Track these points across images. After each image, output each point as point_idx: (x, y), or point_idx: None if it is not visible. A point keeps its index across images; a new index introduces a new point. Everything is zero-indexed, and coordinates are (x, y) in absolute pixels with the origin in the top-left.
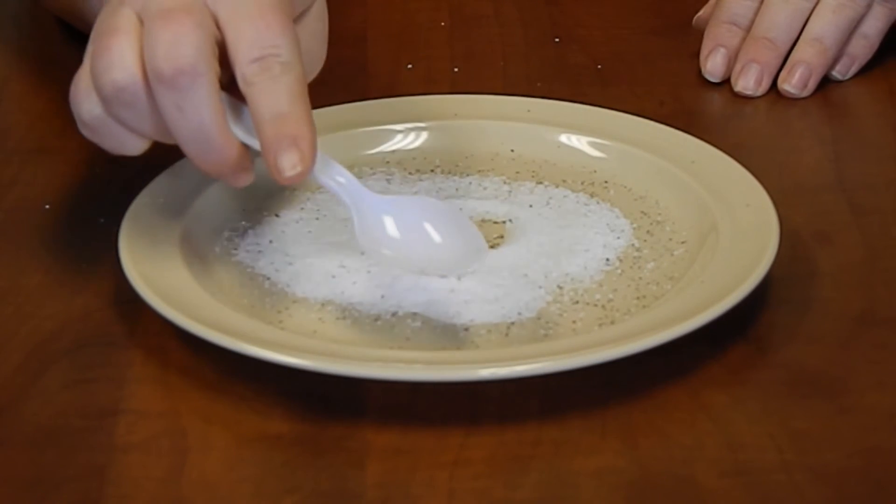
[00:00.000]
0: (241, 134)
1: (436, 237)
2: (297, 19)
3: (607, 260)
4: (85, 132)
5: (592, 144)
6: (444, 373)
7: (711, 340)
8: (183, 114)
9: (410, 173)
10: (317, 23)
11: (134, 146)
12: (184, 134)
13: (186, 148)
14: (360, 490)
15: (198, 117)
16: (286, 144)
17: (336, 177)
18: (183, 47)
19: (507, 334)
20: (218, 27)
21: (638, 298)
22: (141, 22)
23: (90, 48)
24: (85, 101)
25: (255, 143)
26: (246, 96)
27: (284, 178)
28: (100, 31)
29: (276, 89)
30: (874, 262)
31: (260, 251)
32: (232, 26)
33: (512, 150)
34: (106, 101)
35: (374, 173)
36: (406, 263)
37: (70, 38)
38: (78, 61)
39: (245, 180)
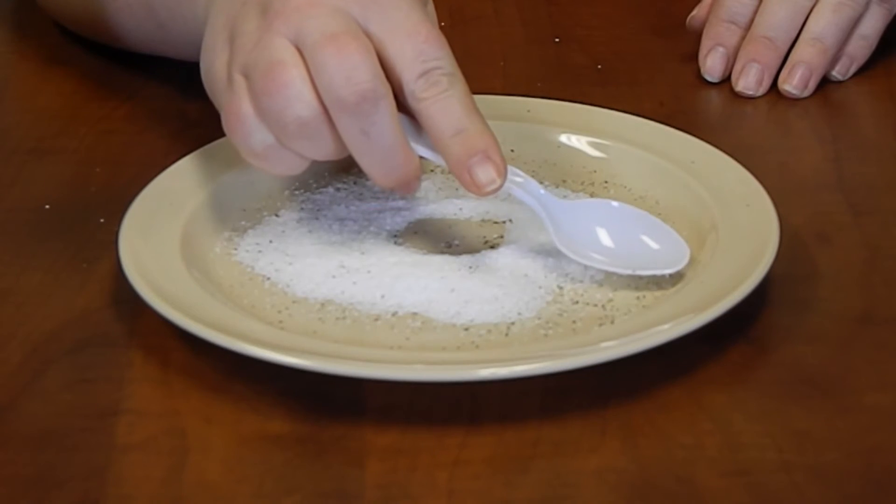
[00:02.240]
0: (413, 143)
1: (651, 244)
2: None
3: None
4: (253, 160)
5: (592, 144)
6: (444, 373)
7: (711, 340)
8: (369, 138)
9: None
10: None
11: (302, 167)
12: (370, 157)
13: (371, 170)
14: (360, 490)
15: (383, 140)
16: (479, 159)
17: (518, 181)
18: (360, 73)
19: (507, 334)
20: (375, 47)
21: (638, 298)
22: (299, 50)
23: (238, 79)
24: (256, 133)
25: (426, 153)
26: (417, 112)
27: (484, 192)
28: (259, 64)
29: (449, 104)
30: (874, 262)
31: (260, 251)
32: (390, 44)
33: (512, 150)
34: (288, 136)
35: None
36: (618, 268)
37: (70, 39)
38: (78, 62)
39: (415, 188)
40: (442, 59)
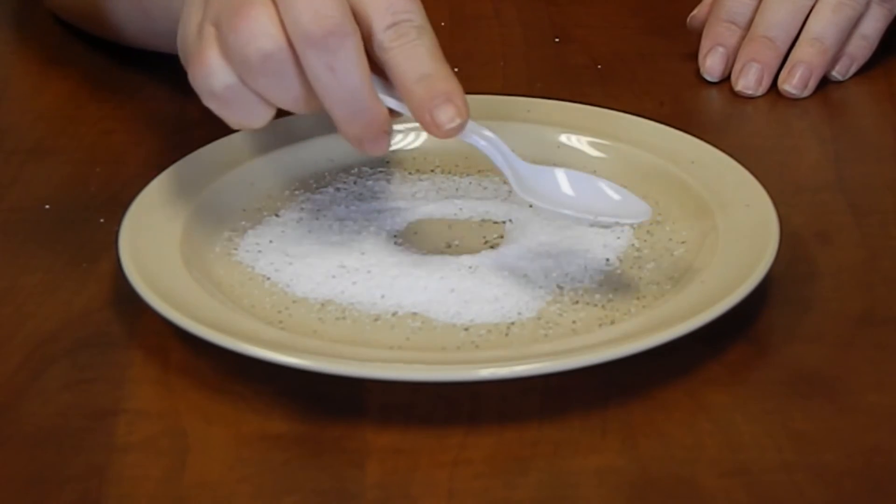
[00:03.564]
0: (380, 95)
1: (613, 196)
2: None
3: (607, 260)
4: (213, 104)
5: (592, 144)
6: (444, 373)
7: (711, 340)
8: (334, 74)
9: (410, 173)
10: None
11: (263, 117)
12: (335, 96)
13: (336, 111)
14: (359, 490)
15: (349, 77)
16: (440, 101)
17: (484, 133)
18: (328, 8)
19: (507, 334)
20: None
21: (638, 298)
22: None
23: (208, 28)
24: (218, 72)
25: (393, 103)
26: (384, 62)
27: (444, 132)
28: (228, 8)
29: (416, 52)
30: (874, 262)
31: (260, 251)
32: None
33: (512, 151)
34: (250, 71)
35: (374, 173)
36: (582, 216)
37: (70, 39)
38: (78, 62)
39: (385, 147)
40: (412, 13)
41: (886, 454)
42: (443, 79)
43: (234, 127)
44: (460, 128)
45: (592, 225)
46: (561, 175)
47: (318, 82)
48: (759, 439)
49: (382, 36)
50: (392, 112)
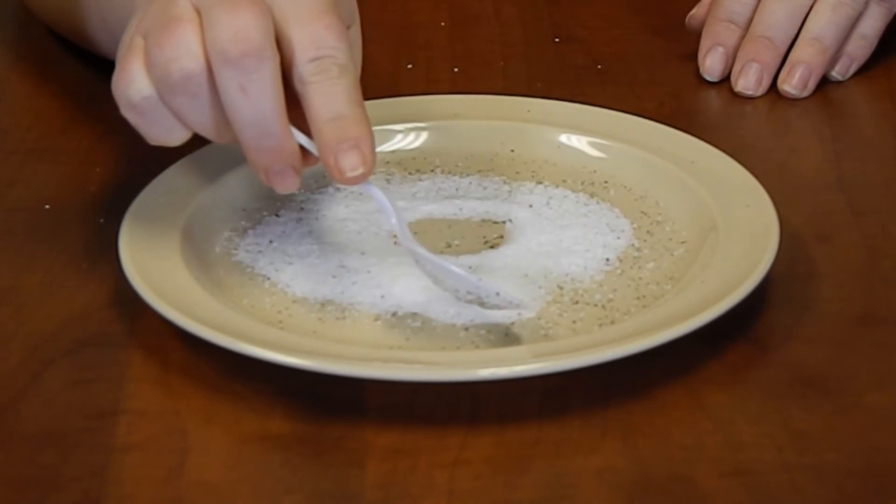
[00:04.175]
0: (297, 135)
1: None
2: None
3: (607, 260)
4: (130, 115)
5: (592, 144)
6: (444, 373)
7: (711, 340)
8: (246, 95)
9: (410, 173)
10: (352, 48)
11: (178, 135)
12: (244, 118)
13: (243, 135)
14: (360, 490)
15: (260, 101)
16: (347, 146)
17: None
18: (250, 31)
19: (507, 334)
20: (275, 24)
21: (638, 298)
22: (199, 13)
23: (136, 40)
24: (136, 82)
25: (306, 142)
26: (302, 95)
27: (346, 179)
28: (157, 22)
29: (334, 91)
30: (874, 262)
31: (260, 251)
32: (291, 25)
33: (512, 150)
34: (169, 89)
35: (374, 173)
36: (467, 276)
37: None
38: (78, 62)
39: (292, 185)
40: (337, 50)
41: (886, 454)
42: (355, 123)
43: (151, 142)
44: (362, 177)
45: (468, 293)
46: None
47: (229, 103)
48: (759, 439)
49: (303, 68)
50: (307, 155)
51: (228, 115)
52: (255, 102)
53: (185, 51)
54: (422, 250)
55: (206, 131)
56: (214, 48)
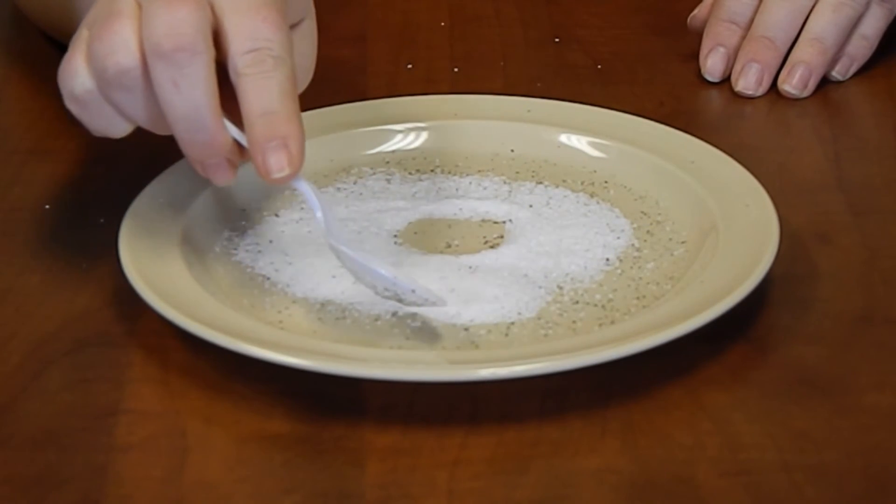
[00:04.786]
0: (231, 129)
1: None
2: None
3: (607, 260)
4: (73, 107)
5: (592, 144)
6: (444, 373)
7: (711, 340)
8: (178, 90)
9: (410, 173)
10: (305, 41)
11: (120, 129)
12: (177, 111)
13: (177, 127)
14: (360, 490)
15: (192, 94)
16: (275, 145)
17: (316, 191)
18: (183, 26)
19: (507, 334)
20: (214, 17)
21: (638, 298)
22: (141, 7)
23: (83, 32)
24: (78, 75)
25: (238, 135)
26: (236, 87)
27: (271, 180)
28: (101, 15)
29: (267, 85)
30: (874, 262)
31: (260, 251)
32: (228, 17)
33: (512, 150)
34: (106, 83)
35: (374, 173)
36: (378, 278)
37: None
38: None
39: (227, 177)
40: (273, 42)
41: (886, 454)
42: (285, 119)
43: (95, 133)
44: (288, 178)
45: (386, 290)
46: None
47: (162, 97)
48: (759, 439)
49: (238, 60)
50: (243, 150)
51: (162, 109)
52: (186, 97)
53: (120, 46)
54: (343, 248)
55: (145, 124)
56: (149, 43)
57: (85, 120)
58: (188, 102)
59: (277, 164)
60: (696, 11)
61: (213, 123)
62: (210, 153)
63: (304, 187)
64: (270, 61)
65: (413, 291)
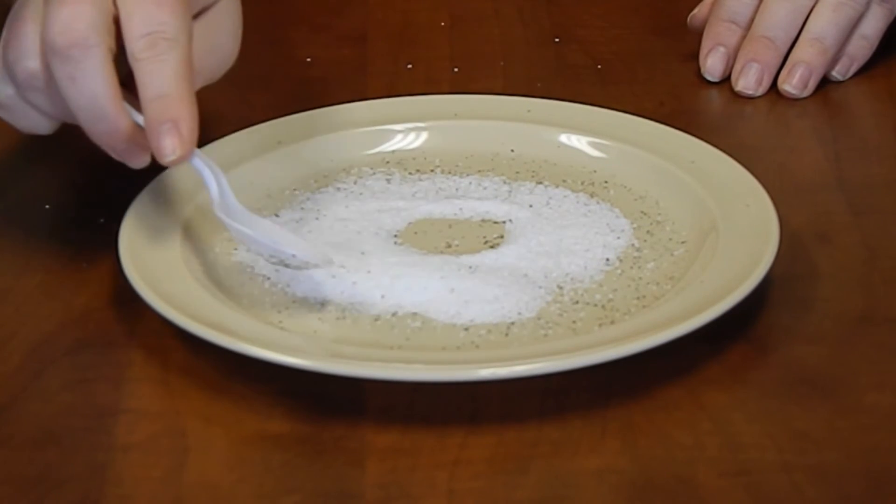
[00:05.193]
0: (135, 115)
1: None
2: (201, 12)
3: (607, 260)
4: (2, 113)
5: (592, 144)
6: (444, 373)
7: (711, 340)
8: (75, 84)
9: (410, 173)
10: (225, 18)
11: (44, 127)
12: (77, 104)
13: (80, 119)
14: (360, 490)
15: (90, 87)
16: (167, 128)
17: (209, 163)
18: (76, 22)
19: (507, 334)
20: (115, 8)
21: (638, 298)
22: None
23: (4, 36)
24: (1, 82)
25: (140, 119)
26: (135, 73)
27: (165, 162)
28: (11, 20)
29: (160, 68)
30: (874, 262)
31: None
32: (124, 5)
33: (512, 150)
34: (20, 86)
35: (374, 173)
36: (262, 246)
37: None
38: None
39: (140, 160)
40: (167, 25)
41: (886, 454)
42: (177, 102)
43: (25, 132)
44: (180, 160)
45: (272, 256)
46: (263, 221)
47: (63, 93)
48: (759, 439)
49: (133, 46)
50: None
51: (67, 104)
52: (84, 90)
53: (25, 50)
54: (225, 217)
55: (68, 120)
56: (45, 43)
57: (11, 122)
58: (86, 95)
59: (169, 146)
60: (696, 11)
61: (114, 113)
62: (115, 141)
63: (197, 163)
64: (163, 44)
65: (294, 256)
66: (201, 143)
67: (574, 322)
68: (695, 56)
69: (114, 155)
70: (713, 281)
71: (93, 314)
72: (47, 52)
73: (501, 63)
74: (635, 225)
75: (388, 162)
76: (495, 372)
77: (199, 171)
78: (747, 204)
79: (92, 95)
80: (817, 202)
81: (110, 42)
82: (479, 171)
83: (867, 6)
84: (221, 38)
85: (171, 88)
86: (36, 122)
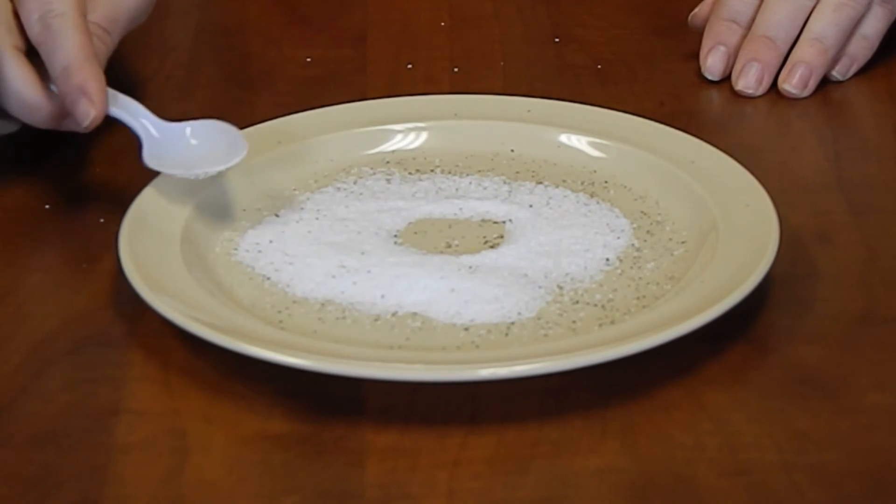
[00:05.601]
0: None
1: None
2: None
3: (607, 260)
4: None
5: (592, 144)
6: (444, 373)
7: (711, 340)
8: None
9: (410, 173)
10: None
11: (6, 126)
12: (7, 105)
13: (14, 114)
14: (360, 490)
15: (12, 90)
16: (76, 95)
17: (127, 107)
18: None
19: (507, 334)
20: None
21: (638, 298)
22: None
23: None
24: None
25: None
26: (40, 55)
27: (84, 127)
28: None
29: (57, 44)
30: (874, 262)
31: (260, 251)
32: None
33: (512, 150)
34: None
35: (374, 173)
36: (189, 174)
37: None
38: None
39: (91, 117)
40: (52, 3)
41: (886, 454)
42: (78, 70)
43: None
44: (97, 120)
45: (196, 177)
46: (188, 130)
47: None
48: (759, 439)
49: (31, 32)
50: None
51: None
52: (9, 94)
53: None
54: (165, 170)
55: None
56: None
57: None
58: (12, 97)
59: (83, 112)
60: (696, 10)
61: (41, 103)
62: (51, 122)
63: (116, 113)
64: (55, 21)
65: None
66: None
67: (574, 322)
68: (695, 56)
69: (57, 128)
70: (713, 281)
71: (93, 314)
72: None
73: (501, 63)
74: (635, 225)
75: (388, 162)
76: (495, 372)
77: (122, 120)
78: (747, 204)
79: (17, 98)
80: (817, 202)
81: (14, 40)
82: (479, 171)
83: (868, 6)
84: None
85: (70, 59)
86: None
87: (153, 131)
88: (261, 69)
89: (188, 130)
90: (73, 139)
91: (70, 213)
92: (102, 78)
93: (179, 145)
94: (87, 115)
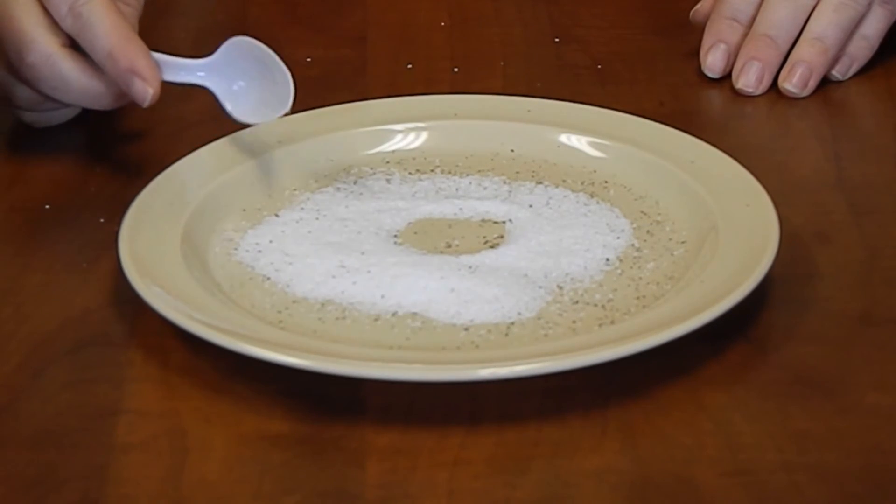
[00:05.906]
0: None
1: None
2: None
3: (607, 260)
4: (27, 117)
5: (592, 144)
6: (444, 373)
7: (711, 340)
8: (59, 92)
9: (410, 173)
10: None
11: (65, 114)
12: (70, 100)
13: (82, 105)
14: (360, 490)
15: (72, 90)
16: (128, 77)
17: (181, 68)
18: (24, 34)
19: (507, 334)
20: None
21: (638, 298)
22: None
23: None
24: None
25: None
26: (82, 46)
27: (146, 105)
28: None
29: (95, 32)
30: (874, 262)
31: (260, 251)
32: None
33: (512, 150)
34: (29, 83)
35: (374, 173)
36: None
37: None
38: None
39: (148, 95)
40: None
41: (886, 454)
42: (122, 53)
43: (50, 125)
44: (155, 96)
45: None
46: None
47: (56, 97)
48: (759, 439)
49: (65, 24)
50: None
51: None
52: (71, 92)
53: (23, 46)
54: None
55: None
56: (9, 65)
57: (39, 121)
58: (76, 93)
59: (140, 92)
60: (698, 6)
61: (104, 90)
62: (120, 99)
63: (172, 78)
64: (85, 11)
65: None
66: (204, 141)
67: (574, 322)
68: (695, 56)
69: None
70: (713, 281)
71: (93, 314)
72: (16, 73)
73: (501, 63)
74: (635, 225)
75: (388, 162)
76: (495, 372)
77: (183, 83)
78: (747, 204)
79: (81, 91)
80: (817, 202)
81: (59, 39)
82: (479, 171)
83: (869, 7)
84: None
85: (111, 44)
86: (61, 113)
87: (218, 80)
88: None
89: (231, 70)
90: (72, 139)
91: (70, 213)
92: (147, 52)
93: (240, 85)
94: (145, 94)
